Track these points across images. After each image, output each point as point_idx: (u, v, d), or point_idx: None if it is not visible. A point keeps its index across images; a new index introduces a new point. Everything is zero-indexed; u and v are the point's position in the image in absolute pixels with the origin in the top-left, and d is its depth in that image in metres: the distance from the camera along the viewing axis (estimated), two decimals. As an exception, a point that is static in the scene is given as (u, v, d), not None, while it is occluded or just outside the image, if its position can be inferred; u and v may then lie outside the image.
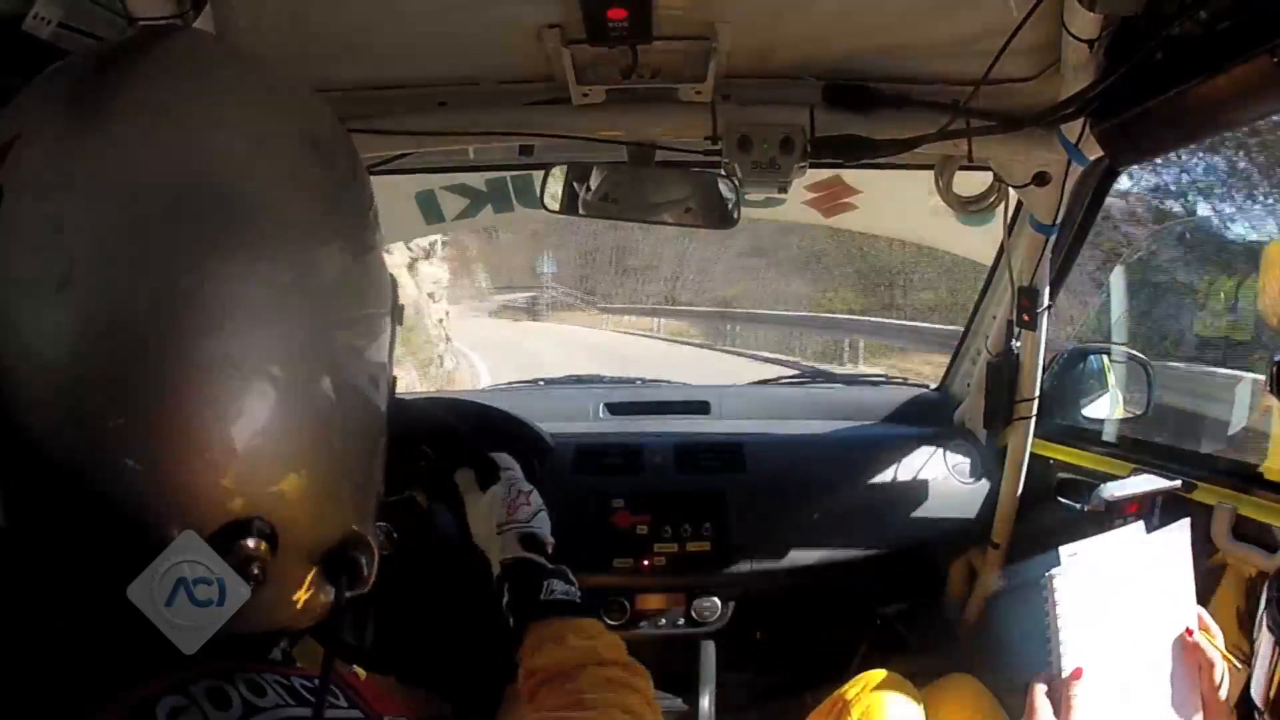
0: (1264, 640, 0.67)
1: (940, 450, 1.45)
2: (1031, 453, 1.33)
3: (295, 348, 0.46)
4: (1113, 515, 1.12)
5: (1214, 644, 0.69)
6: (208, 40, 0.51)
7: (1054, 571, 0.64)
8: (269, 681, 0.47)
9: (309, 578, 0.49)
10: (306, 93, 0.53)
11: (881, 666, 1.15)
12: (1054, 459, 1.37)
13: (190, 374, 0.43)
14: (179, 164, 0.44)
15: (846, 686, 1.12)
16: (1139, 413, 1.42)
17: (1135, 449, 1.28)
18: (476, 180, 1.65)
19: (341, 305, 0.49)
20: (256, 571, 0.44)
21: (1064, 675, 0.65)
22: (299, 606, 0.50)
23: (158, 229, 0.43)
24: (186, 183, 0.44)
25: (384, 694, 0.60)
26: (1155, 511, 1.12)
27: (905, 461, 1.43)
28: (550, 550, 0.82)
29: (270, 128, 0.48)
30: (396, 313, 0.57)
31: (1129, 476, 1.17)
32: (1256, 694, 0.72)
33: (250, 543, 0.45)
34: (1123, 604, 0.67)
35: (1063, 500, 1.32)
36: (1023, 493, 1.35)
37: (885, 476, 1.42)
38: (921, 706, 1.09)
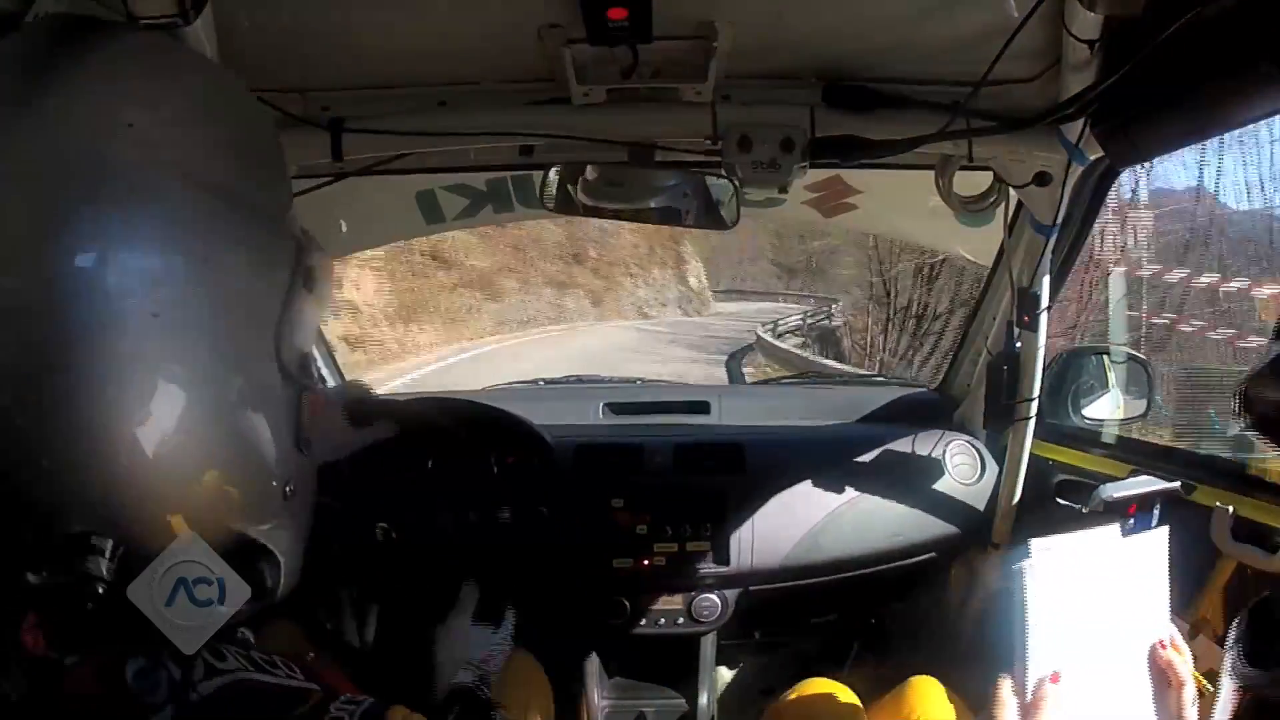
0: (1225, 686, 0.65)
1: (940, 451, 1.45)
2: (1031, 453, 1.33)
3: (182, 342, 0.46)
4: (1112, 516, 1.12)
5: (1186, 665, 0.66)
6: (139, 33, 0.51)
7: (1025, 563, 0.63)
8: (229, 650, 0.49)
9: None
10: (239, 96, 0.54)
11: (879, 666, 1.15)
12: (1054, 459, 1.37)
13: (83, 363, 0.43)
14: (82, 152, 0.44)
15: (780, 698, 1.12)
16: (1139, 413, 1.42)
17: (1135, 450, 1.28)
18: (477, 180, 1.64)
19: (237, 303, 0.49)
20: (98, 591, 0.43)
21: (1029, 671, 0.63)
22: None
23: (55, 212, 0.43)
24: (87, 173, 0.44)
25: (338, 674, 0.61)
26: (1155, 512, 1.12)
27: (905, 462, 1.43)
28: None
29: (185, 124, 0.48)
30: (306, 279, 0.55)
31: (1128, 477, 1.17)
32: None
33: (87, 563, 0.43)
34: (1094, 606, 0.65)
35: (1062, 501, 1.32)
36: (1023, 493, 1.35)
37: (885, 476, 1.42)
38: (862, 712, 1.09)
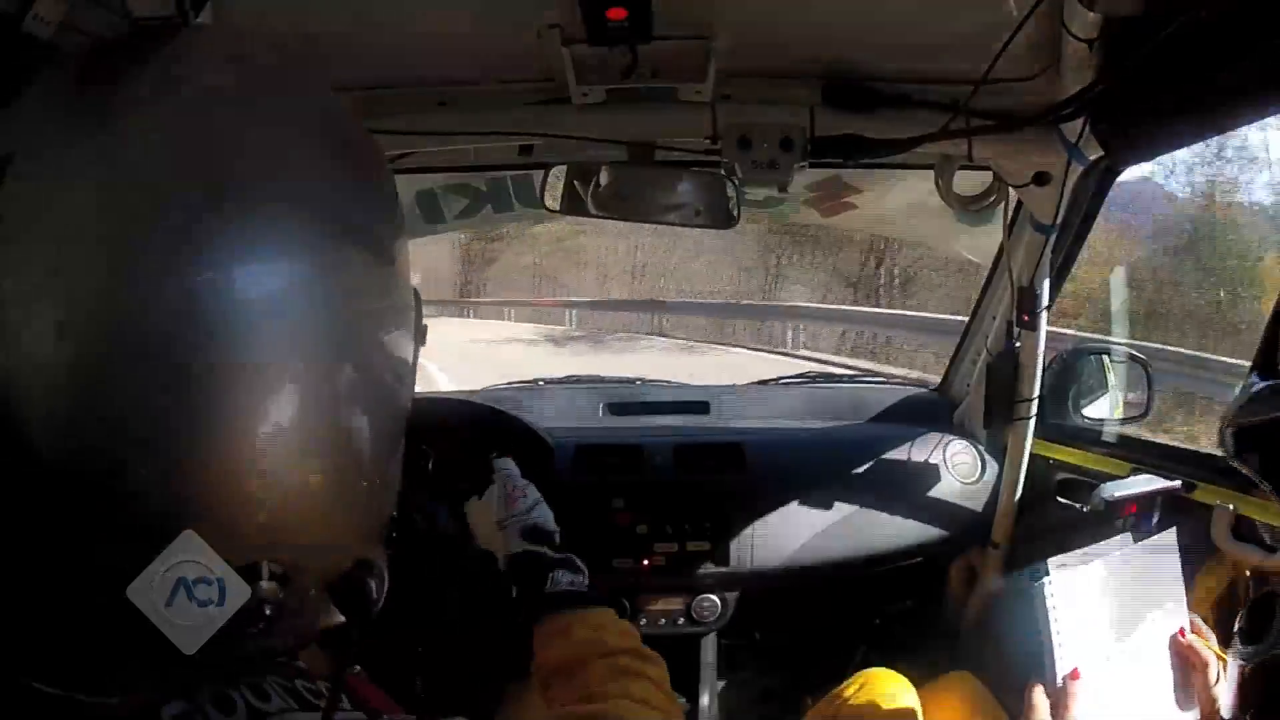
0: (1231, 668, 0.68)
1: (940, 450, 1.45)
2: (1031, 453, 1.33)
3: (314, 356, 0.44)
4: (1113, 515, 1.12)
5: (1208, 644, 0.69)
6: (226, 35, 0.49)
7: (1046, 580, 0.66)
8: (273, 686, 0.47)
9: (314, 604, 0.48)
10: (329, 90, 0.51)
11: (881, 666, 1.15)
12: (1054, 459, 1.37)
13: (208, 384, 0.41)
14: (197, 161, 0.42)
15: (844, 686, 1.12)
16: (1139, 413, 1.42)
17: (1135, 449, 1.28)
18: (477, 180, 1.65)
19: (366, 309, 0.47)
20: (268, 612, 0.43)
21: (1060, 679, 0.66)
22: (300, 632, 0.48)
23: (175, 230, 0.40)
24: (205, 180, 0.42)
25: (379, 693, 0.60)
26: (1155, 511, 1.12)
27: (905, 461, 1.43)
28: (556, 538, 0.82)
29: (296, 124, 0.46)
30: (419, 334, 0.55)
31: (1129, 476, 1.17)
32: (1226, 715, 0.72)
33: (264, 586, 0.43)
34: (1114, 610, 0.68)
35: (1063, 500, 1.32)
36: (1023, 493, 1.35)
37: (885, 476, 1.42)
38: (919, 705, 1.09)
